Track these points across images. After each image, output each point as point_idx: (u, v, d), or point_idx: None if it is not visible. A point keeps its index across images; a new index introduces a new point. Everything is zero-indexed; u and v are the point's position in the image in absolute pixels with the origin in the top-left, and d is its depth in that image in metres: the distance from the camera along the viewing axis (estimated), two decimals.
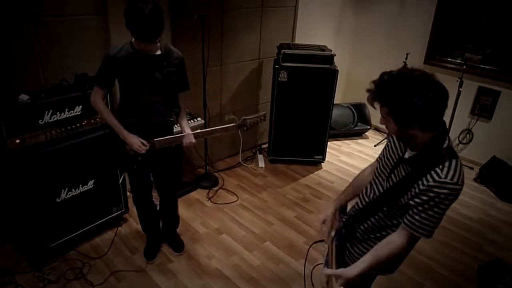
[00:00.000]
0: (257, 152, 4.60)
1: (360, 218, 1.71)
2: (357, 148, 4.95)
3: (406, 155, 1.55)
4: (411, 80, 1.37)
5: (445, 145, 1.47)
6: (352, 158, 4.68)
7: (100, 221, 3.02)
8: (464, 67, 4.13)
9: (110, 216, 3.08)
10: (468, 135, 4.58)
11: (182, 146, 2.62)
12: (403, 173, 1.54)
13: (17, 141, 2.40)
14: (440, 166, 1.41)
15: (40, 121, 2.48)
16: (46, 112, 2.49)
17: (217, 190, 3.85)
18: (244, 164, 4.37)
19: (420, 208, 1.45)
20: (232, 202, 3.68)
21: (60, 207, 2.71)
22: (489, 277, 2.84)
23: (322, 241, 1.94)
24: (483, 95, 4.37)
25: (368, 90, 1.47)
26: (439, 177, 1.40)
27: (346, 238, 1.80)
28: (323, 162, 4.45)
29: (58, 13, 2.74)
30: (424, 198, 1.43)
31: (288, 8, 4.35)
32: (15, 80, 2.64)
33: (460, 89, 4.17)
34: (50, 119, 2.52)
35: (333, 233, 1.82)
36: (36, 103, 2.44)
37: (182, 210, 3.48)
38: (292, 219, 3.48)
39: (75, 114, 2.64)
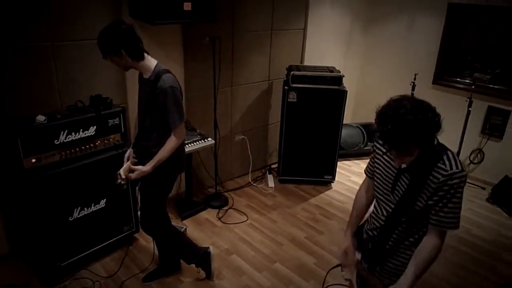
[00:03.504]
0: (267, 172, 4.62)
1: (385, 235, 1.74)
2: None
3: (403, 166, 1.61)
4: (412, 112, 1.41)
5: (435, 142, 1.55)
6: (362, 178, 4.60)
7: (111, 240, 3.04)
8: (473, 87, 4.14)
9: (120, 235, 3.10)
10: (479, 155, 4.54)
11: (154, 180, 2.48)
12: (407, 182, 1.60)
13: (33, 160, 2.46)
14: (441, 161, 1.50)
15: (55, 141, 2.55)
16: (62, 132, 2.56)
17: (227, 210, 3.86)
18: (254, 184, 4.39)
19: (440, 204, 1.53)
20: (242, 222, 3.68)
21: (72, 226, 2.75)
22: None
23: (339, 265, 1.97)
24: (493, 115, 4.36)
25: (384, 145, 1.55)
26: (446, 170, 1.49)
27: (374, 256, 1.82)
28: (333, 182, 4.45)
29: (74, 37, 2.85)
30: (441, 193, 1.51)
31: (297, 30, 4.45)
32: (33, 101, 2.73)
33: (470, 109, 4.18)
34: (65, 139, 2.59)
35: (359, 256, 1.86)
36: (52, 124, 2.52)
37: (192, 230, 3.49)
38: (302, 240, 3.46)
39: (89, 134, 2.71)
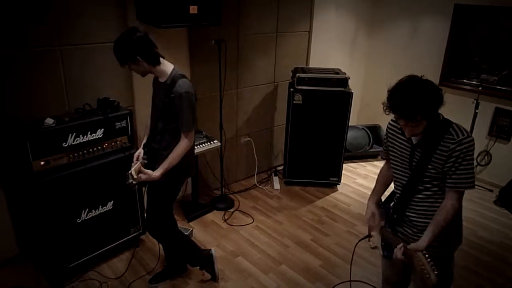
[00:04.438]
0: (273, 174, 4.63)
1: (404, 201, 1.93)
2: (373, 170, 4.93)
3: (414, 141, 1.84)
4: (425, 86, 1.67)
5: (441, 118, 1.79)
6: (368, 180, 4.66)
7: (118, 242, 3.07)
8: (480, 88, 4.12)
9: (127, 237, 3.12)
10: (486, 157, 4.52)
11: (160, 184, 2.48)
12: (420, 155, 1.82)
13: (42, 163, 2.50)
14: (449, 132, 1.74)
15: (63, 144, 2.58)
16: (70, 135, 2.59)
17: (232, 212, 3.87)
18: (260, 186, 4.40)
19: (453, 168, 1.73)
20: (248, 224, 3.69)
21: (80, 227, 2.78)
22: None
23: (367, 237, 2.16)
24: (501, 116, 4.33)
25: (399, 116, 1.72)
26: (454, 139, 1.71)
27: (397, 222, 2.00)
28: (339, 184, 4.44)
29: (81, 41, 2.88)
30: (453, 159, 1.72)
31: (302, 33, 4.46)
32: (41, 105, 2.76)
33: (477, 111, 4.16)
34: (73, 142, 2.62)
35: (383, 223, 2.03)
36: (61, 127, 2.55)
37: (198, 232, 3.51)
38: (308, 242, 3.46)
39: (97, 137, 2.74)
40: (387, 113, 1.77)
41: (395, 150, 1.97)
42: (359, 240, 2.25)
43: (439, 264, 1.68)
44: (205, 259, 2.87)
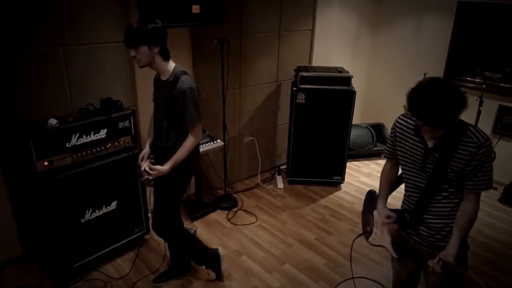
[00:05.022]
0: (276, 173, 4.62)
1: (422, 205, 1.89)
2: (377, 168, 4.91)
3: (430, 144, 1.77)
4: (449, 93, 1.58)
5: (457, 121, 1.71)
6: (371, 178, 4.65)
7: (122, 242, 3.07)
8: (484, 86, 4.10)
9: (131, 237, 3.13)
10: None
11: (170, 181, 2.47)
12: (437, 157, 1.77)
13: (45, 163, 2.50)
14: (466, 136, 1.69)
15: (67, 144, 2.58)
16: (73, 135, 2.60)
17: (236, 211, 3.87)
18: (263, 185, 4.39)
19: (474, 171, 1.71)
20: (251, 223, 3.69)
21: (84, 227, 2.78)
22: None
23: (362, 234, 2.22)
24: (505, 114, 4.31)
25: (424, 124, 1.64)
26: (474, 143, 1.67)
27: (413, 226, 1.97)
28: (342, 183, 4.44)
29: (84, 41, 2.88)
30: (474, 162, 1.69)
31: (305, 31, 4.45)
32: (45, 105, 2.77)
33: (481, 108, 4.13)
34: (76, 142, 2.62)
35: (395, 226, 1.98)
36: (64, 127, 2.56)
37: (202, 231, 3.51)
38: (312, 241, 3.46)
39: (101, 137, 2.74)
40: (409, 117, 1.75)
41: (405, 151, 1.90)
42: (356, 238, 2.29)
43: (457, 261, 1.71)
44: (212, 259, 2.87)
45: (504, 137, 4.35)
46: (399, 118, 1.93)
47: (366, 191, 2.30)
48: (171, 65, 2.38)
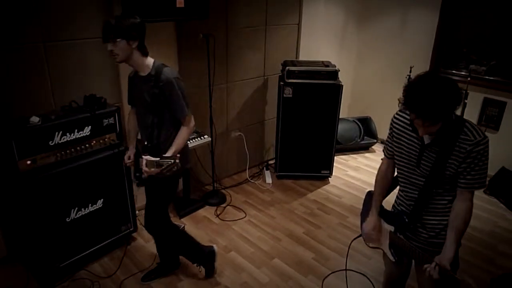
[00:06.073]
0: (264, 168, 4.62)
1: (420, 206, 1.88)
2: (364, 162, 4.94)
3: (427, 141, 1.75)
4: (445, 87, 1.56)
5: (453, 117, 1.70)
6: (359, 172, 4.67)
7: (109, 240, 3.04)
8: (469, 79, 4.14)
9: (119, 235, 3.09)
10: None
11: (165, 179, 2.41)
12: (433, 155, 1.75)
13: (28, 162, 2.45)
14: (463, 133, 1.67)
15: (50, 142, 2.53)
16: (56, 133, 2.54)
17: (225, 207, 3.86)
18: (252, 181, 4.38)
19: (468, 169, 1.69)
20: (240, 219, 3.68)
21: (70, 227, 2.74)
22: None
23: (360, 236, 2.21)
24: (489, 106, 4.36)
25: (418, 117, 1.61)
26: (471, 140, 1.65)
27: (411, 229, 1.95)
28: (331, 177, 4.45)
29: (67, 36, 2.82)
30: (469, 160, 1.67)
31: (292, 25, 4.43)
32: (26, 103, 2.70)
33: (466, 101, 4.17)
34: (60, 140, 2.57)
35: (392, 228, 1.98)
36: (47, 125, 2.50)
37: (191, 228, 3.49)
38: (301, 235, 3.47)
39: (85, 134, 2.69)
40: (403, 110, 1.72)
41: (402, 146, 1.89)
42: (353, 239, 2.29)
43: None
44: (208, 255, 2.87)
45: (489, 129, 4.40)
46: (396, 114, 1.92)
47: (366, 192, 2.28)
48: (150, 60, 2.35)
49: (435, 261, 1.70)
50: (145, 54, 2.31)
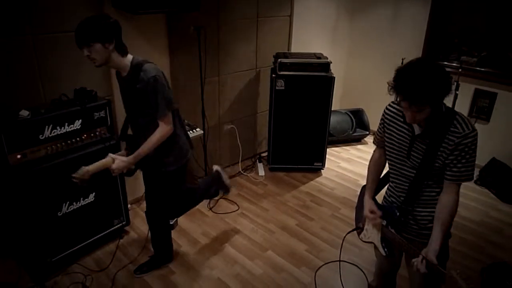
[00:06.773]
0: (257, 160, 4.62)
1: (411, 199, 1.89)
2: (357, 154, 4.97)
3: (417, 131, 1.76)
4: (434, 71, 1.56)
5: (444, 109, 1.70)
6: (351, 164, 4.69)
7: (102, 234, 3.03)
8: (460, 70, 4.16)
9: (111, 229, 3.09)
10: None
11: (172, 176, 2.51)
12: (423, 146, 1.76)
13: (18, 156, 2.42)
14: (453, 124, 1.67)
15: (40, 136, 2.50)
16: (47, 127, 2.52)
17: (217, 200, 3.86)
18: (244, 173, 4.39)
19: (455, 161, 1.70)
20: (233, 212, 3.69)
21: (61, 221, 2.73)
22: (493, 279, 2.83)
23: (354, 230, 2.24)
24: (480, 97, 4.39)
25: (406, 100, 1.61)
26: (459, 132, 1.65)
27: (403, 222, 1.95)
28: (323, 169, 4.47)
29: (56, 29, 2.78)
30: (457, 152, 1.68)
31: (283, 17, 4.41)
32: (15, 96, 2.67)
33: (457, 92, 4.19)
34: (50, 133, 2.55)
35: (384, 222, 1.98)
36: (36, 119, 2.47)
37: (183, 221, 3.49)
38: (294, 227, 3.48)
39: (75, 128, 2.67)
40: (391, 93, 1.69)
41: (392, 137, 1.89)
42: (347, 233, 2.30)
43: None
44: (216, 178, 3.00)
45: (480, 120, 4.44)
46: (388, 105, 1.92)
47: (360, 186, 2.30)
48: (129, 58, 2.26)
49: (421, 254, 1.72)
50: (124, 53, 2.23)
